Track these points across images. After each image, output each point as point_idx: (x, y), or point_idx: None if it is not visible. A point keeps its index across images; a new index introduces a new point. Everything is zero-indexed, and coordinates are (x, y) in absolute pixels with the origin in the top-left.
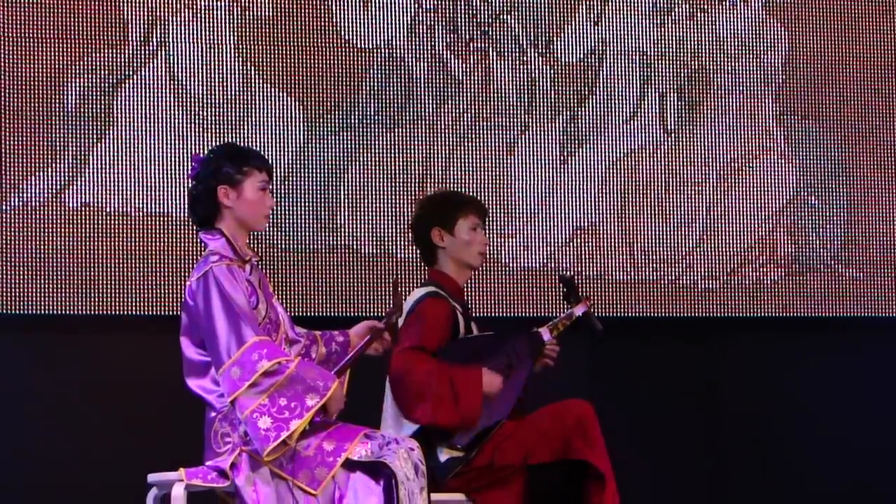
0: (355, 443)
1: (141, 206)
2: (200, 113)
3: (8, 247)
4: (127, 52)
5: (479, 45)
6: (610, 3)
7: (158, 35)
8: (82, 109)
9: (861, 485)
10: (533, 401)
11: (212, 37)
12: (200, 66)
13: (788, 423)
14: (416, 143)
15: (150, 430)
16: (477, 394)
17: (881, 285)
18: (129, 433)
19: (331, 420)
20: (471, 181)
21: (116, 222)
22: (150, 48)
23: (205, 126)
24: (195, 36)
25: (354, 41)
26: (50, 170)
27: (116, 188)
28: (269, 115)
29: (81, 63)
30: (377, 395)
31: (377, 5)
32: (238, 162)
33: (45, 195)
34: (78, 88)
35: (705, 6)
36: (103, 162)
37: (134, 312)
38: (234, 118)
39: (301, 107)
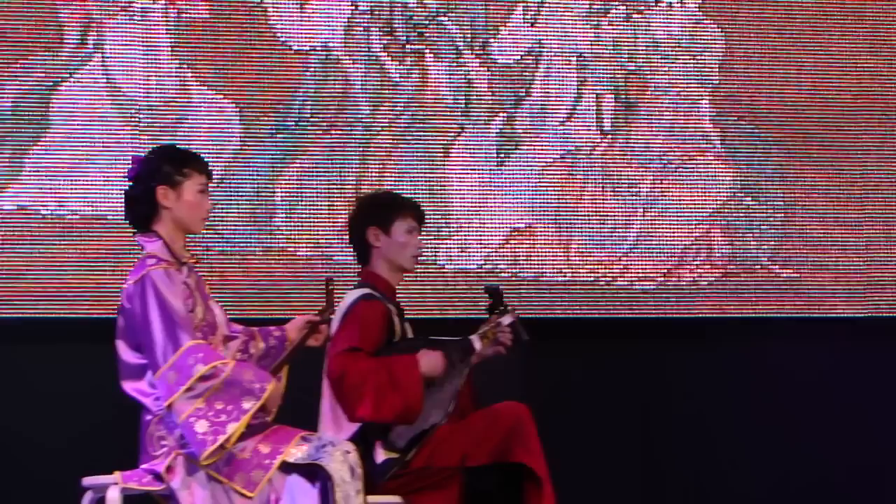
0: (291, 445)
1: (77, 208)
2: (136, 115)
3: None
4: (63, 54)
5: (415, 46)
6: (546, 5)
7: (95, 37)
8: (18, 112)
9: (794, 484)
10: (470, 403)
11: (148, 39)
12: (136, 69)
13: (725, 423)
14: (352, 144)
15: (85, 433)
16: (416, 375)
17: (817, 286)
18: (63, 436)
19: (269, 420)
20: (407, 183)
21: (52, 225)
22: (87, 50)
23: (141, 128)
24: (131, 38)
25: (290, 43)
26: None
27: (52, 191)
28: (205, 117)
29: (17, 65)
30: (314, 397)
31: (313, 7)
32: (178, 163)
33: None
34: (14, 91)
35: (641, 7)
36: (39, 165)
37: (70, 315)
38: (170, 120)
39: (237, 109)
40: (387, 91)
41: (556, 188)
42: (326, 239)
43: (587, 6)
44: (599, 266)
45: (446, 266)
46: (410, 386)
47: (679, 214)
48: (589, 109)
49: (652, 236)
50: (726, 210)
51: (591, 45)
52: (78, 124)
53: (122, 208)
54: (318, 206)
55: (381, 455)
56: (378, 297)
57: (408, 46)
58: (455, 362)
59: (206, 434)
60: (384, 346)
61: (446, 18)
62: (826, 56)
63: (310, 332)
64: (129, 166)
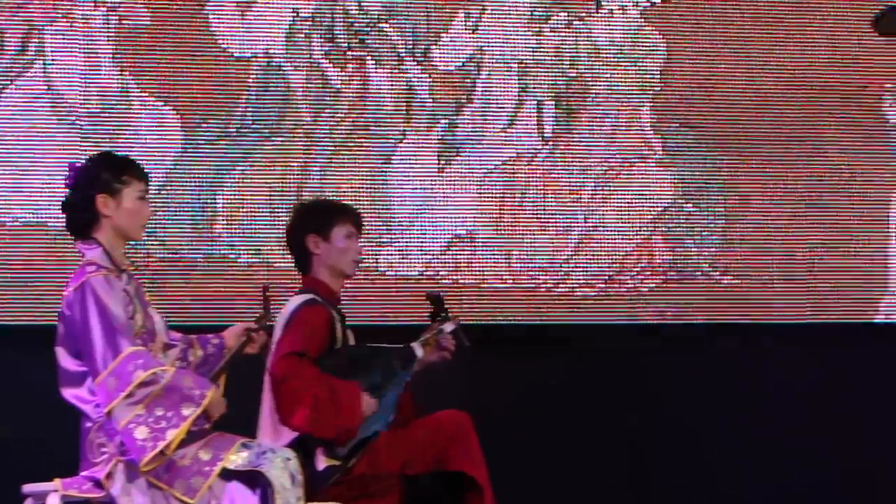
0: (232, 452)
1: (18, 215)
2: (77, 122)
3: None
4: (3, 61)
5: (356, 53)
6: (488, 11)
7: (36, 44)
8: None
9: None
10: (411, 411)
11: (89, 46)
12: (78, 75)
13: (668, 428)
14: (293, 151)
15: (25, 441)
16: (358, 406)
17: (758, 293)
18: (2, 443)
19: (209, 428)
20: (348, 189)
21: None
22: (28, 57)
23: (82, 135)
24: (72, 45)
25: (232, 50)
26: None
27: None
28: (147, 123)
29: None
30: (254, 403)
31: (254, 14)
32: (117, 171)
33: None
34: None
35: (583, 14)
36: None
37: (10, 323)
38: (111, 127)
39: (178, 115)
40: (328, 98)
41: (497, 195)
42: (268, 246)
43: (529, 13)
44: (541, 273)
45: (387, 273)
46: (352, 414)
47: (620, 221)
48: (530, 116)
49: (593, 243)
50: (667, 217)
51: (533, 52)
52: (19, 131)
53: (62, 215)
54: (259, 212)
55: (322, 462)
56: (321, 303)
57: (349, 53)
58: (397, 370)
59: (145, 440)
60: (327, 352)
61: (388, 25)
62: (767, 63)
63: (248, 339)
64: (68, 174)
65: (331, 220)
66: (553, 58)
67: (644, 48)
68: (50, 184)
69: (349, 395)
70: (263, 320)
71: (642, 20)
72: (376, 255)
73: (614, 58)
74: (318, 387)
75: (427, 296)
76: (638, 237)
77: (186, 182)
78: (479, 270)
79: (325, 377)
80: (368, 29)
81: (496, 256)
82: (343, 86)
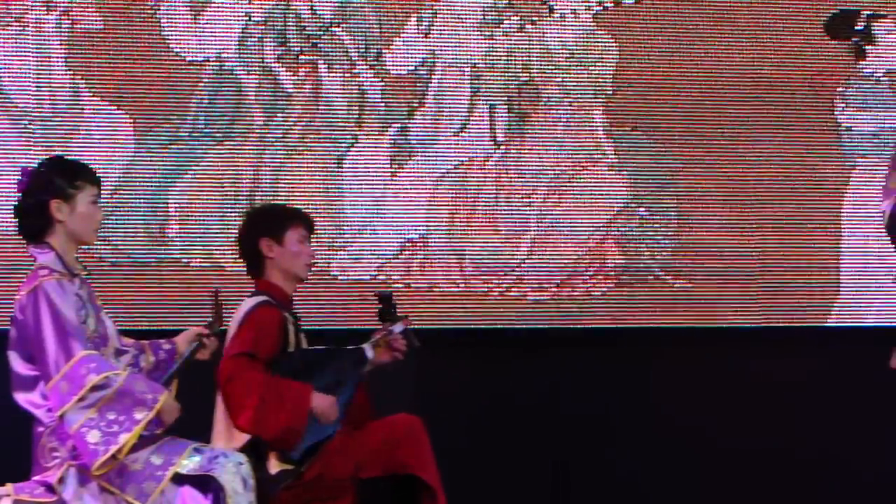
0: (184, 456)
1: None
2: (29, 126)
3: None
4: None
5: (308, 57)
6: (440, 15)
7: None
8: None
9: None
10: (367, 414)
11: (41, 49)
12: (29, 79)
13: (619, 431)
14: (245, 155)
15: None
16: (305, 406)
17: (710, 296)
18: None
19: (161, 431)
20: (300, 193)
21: None
22: None
23: (33, 139)
24: (24, 48)
25: (184, 54)
26: None
27: None
28: (99, 127)
29: None
30: (208, 407)
31: (207, 18)
32: (70, 176)
33: None
34: None
35: (535, 17)
36: None
37: None
38: (63, 130)
39: (130, 119)
40: (280, 101)
41: (449, 198)
42: (220, 249)
43: (481, 17)
44: (493, 276)
45: (340, 277)
46: (297, 414)
47: (572, 225)
48: (482, 120)
49: (545, 247)
50: (620, 220)
51: (485, 55)
52: None
53: (14, 219)
54: (211, 216)
55: (274, 466)
56: (275, 305)
57: (301, 57)
58: (349, 371)
59: (97, 444)
60: (278, 354)
61: (340, 29)
62: (719, 66)
63: (200, 344)
64: (19, 178)
65: (284, 223)
66: (505, 61)
67: (596, 52)
68: (1, 188)
69: (296, 395)
70: (215, 325)
71: (594, 24)
72: (329, 258)
73: (566, 61)
74: (263, 387)
75: (377, 295)
76: (590, 241)
77: (138, 186)
78: (432, 274)
79: (273, 378)
80: (321, 33)
81: (449, 260)
82: (295, 89)
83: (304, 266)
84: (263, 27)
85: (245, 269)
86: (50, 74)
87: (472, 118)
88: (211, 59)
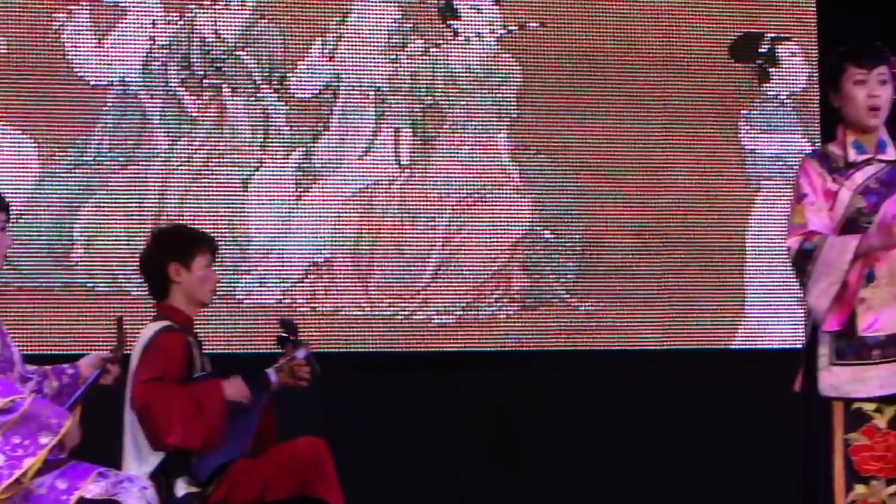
0: (89, 481)
1: None
2: None
3: None
4: None
5: (212, 81)
6: (344, 39)
7: None
8: None
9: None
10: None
11: None
12: None
13: (527, 453)
14: (150, 179)
15: None
16: (219, 400)
17: (616, 319)
18: None
19: (65, 456)
20: (206, 217)
21: None
22: None
23: None
24: None
25: (88, 78)
26: None
27: None
28: (3, 151)
29: None
30: (111, 431)
31: (111, 42)
32: None
33: None
34: None
35: (439, 41)
36: None
37: None
38: None
39: (35, 143)
40: (185, 125)
41: (354, 223)
42: (125, 274)
43: (385, 40)
44: (398, 300)
45: (245, 301)
46: (214, 410)
47: (478, 249)
48: (387, 144)
49: (451, 270)
50: (525, 244)
51: (389, 79)
52: None
53: None
54: (116, 241)
55: (181, 489)
56: (178, 330)
57: (206, 81)
58: (253, 397)
59: (2, 468)
60: (185, 378)
61: (244, 53)
62: (623, 89)
63: (103, 370)
64: None
65: (193, 249)
66: (410, 85)
67: (501, 75)
68: None
69: (209, 395)
70: (118, 351)
71: (499, 47)
72: (234, 282)
73: (471, 85)
74: (181, 401)
75: (280, 322)
76: (495, 264)
77: (43, 210)
78: (337, 298)
79: (184, 388)
80: (225, 57)
81: (354, 284)
82: (199, 114)
83: (209, 292)
84: (168, 51)
85: (147, 291)
86: None
87: (376, 142)
88: (115, 83)
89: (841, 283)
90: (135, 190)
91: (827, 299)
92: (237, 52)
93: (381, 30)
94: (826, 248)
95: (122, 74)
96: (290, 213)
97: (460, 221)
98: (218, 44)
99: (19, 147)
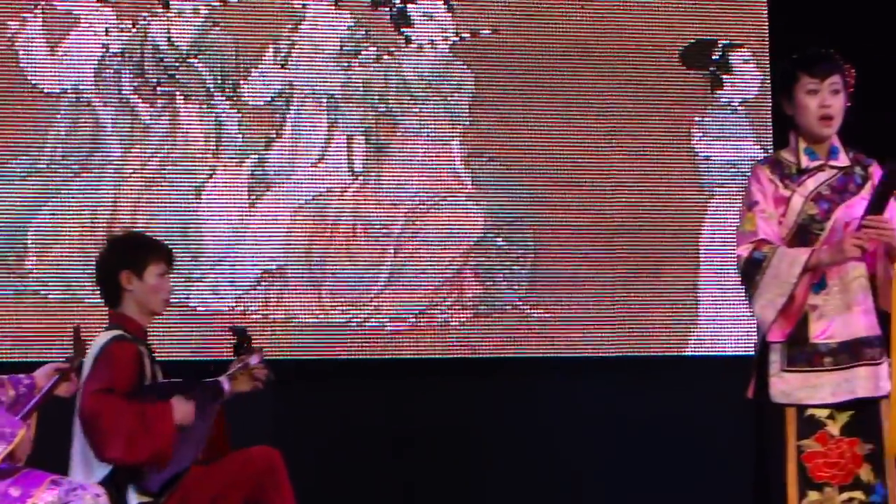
0: (42, 489)
1: None
2: None
3: None
4: None
5: (165, 88)
6: (297, 46)
7: None
8: None
9: None
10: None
11: None
12: None
13: (480, 460)
14: (103, 186)
15: None
16: (169, 423)
17: (568, 326)
18: None
19: (18, 465)
20: (159, 224)
21: None
22: None
23: None
24: None
25: (41, 85)
26: None
27: None
28: None
29: None
30: (65, 440)
31: (64, 49)
32: None
33: None
34: None
35: (392, 48)
36: None
37: None
38: None
39: None
40: (138, 133)
41: (307, 230)
42: (78, 281)
43: (338, 48)
44: (351, 307)
45: (198, 308)
46: (163, 432)
47: (431, 255)
48: (340, 151)
49: (403, 277)
50: (478, 251)
51: (342, 86)
52: None
53: None
54: (69, 248)
55: (133, 499)
56: (130, 339)
57: (159, 88)
58: (205, 404)
59: None
60: (135, 388)
61: (197, 60)
62: (576, 96)
63: (59, 380)
64: None
65: (146, 257)
66: (363, 93)
67: (453, 82)
68: None
69: (159, 416)
70: (75, 361)
71: (451, 55)
72: (188, 289)
73: (424, 92)
74: (128, 416)
75: (231, 329)
76: (448, 271)
77: None
78: (290, 305)
79: (134, 405)
80: (178, 64)
81: (307, 291)
82: (153, 121)
83: (161, 301)
84: (121, 59)
85: (101, 298)
86: None
87: (329, 149)
88: (68, 91)
89: (788, 296)
90: (88, 197)
91: (773, 310)
92: (190, 60)
93: (333, 37)
94: (776, 259)
95: (75, 82)
96: (243, 219)
97: (413, 228)
98: (171, 51)
99: None
